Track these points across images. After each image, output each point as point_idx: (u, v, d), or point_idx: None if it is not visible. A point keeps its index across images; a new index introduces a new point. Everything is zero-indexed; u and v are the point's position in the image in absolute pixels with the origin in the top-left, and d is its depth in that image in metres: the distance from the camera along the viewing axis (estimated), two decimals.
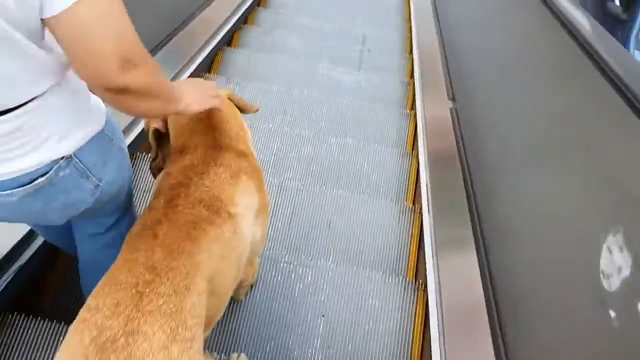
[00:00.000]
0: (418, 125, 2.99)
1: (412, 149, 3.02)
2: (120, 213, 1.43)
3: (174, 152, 1.36)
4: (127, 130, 2.23)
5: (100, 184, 1.20)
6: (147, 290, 0.96)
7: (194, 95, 1.22)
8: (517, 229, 1.69)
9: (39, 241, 1.74)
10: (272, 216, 2.33)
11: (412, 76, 3.68)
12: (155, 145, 1.44)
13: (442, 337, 1.74)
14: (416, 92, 3.29)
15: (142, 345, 0.89)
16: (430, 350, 1.75)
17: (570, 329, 1.24)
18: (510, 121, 2.03)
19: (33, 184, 1.04)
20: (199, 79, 1.41)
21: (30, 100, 0.95)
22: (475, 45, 2.75)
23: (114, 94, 0.94)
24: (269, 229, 2.27)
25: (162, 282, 0.99)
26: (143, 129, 1.97)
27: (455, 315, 1.79)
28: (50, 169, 1.05)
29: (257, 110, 1.63)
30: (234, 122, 1.42)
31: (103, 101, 1.12)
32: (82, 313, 0.95)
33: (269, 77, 3.47)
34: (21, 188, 1.03)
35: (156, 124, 1.41)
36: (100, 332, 0.90)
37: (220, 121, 1.39)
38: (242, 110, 1.60)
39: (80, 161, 1.10)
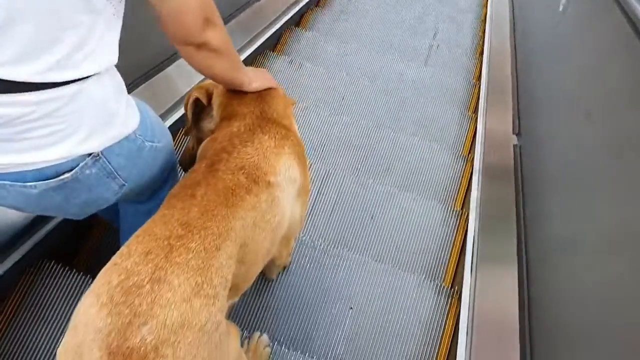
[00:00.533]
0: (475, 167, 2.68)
1: (469, 153, 2.93)
2: (159, 186, 1.45)
3: (222, 120, 1.39)
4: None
5: (126, 184, 1.20)
6: (178, 243, 0.98)
7: (255, 76, 1.39)
8: (563, 256, 1.61)
9: None
10: (314, 202, 2.32)
11: (479, 78, 3.56)
12: (192, 118, 1.45)
13: (469, 350, 1.69)
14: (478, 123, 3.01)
15: (166, 294, 0.90)
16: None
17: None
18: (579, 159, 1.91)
19: (58, 178, 1.03)
20: (254, 69, 1.49)
21: (74, 81, 0.95)
22: (552, 79, 2.49)
23: (194, 49, 1.10)
24: (309, 214, 2.27)
25: (193, 238, 1.00)
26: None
27: (485, 330, 1.73)
28: (77, 165, 1.04)
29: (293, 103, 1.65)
30: (281, 100, 1.45)
31: (185, 58, 1.18)
32: (114, 258, 0.97)
33: (332, 62, 3.44)
34: (44, 181, 1.02)
35: (199, 94, 1.42)
36: (128, 276, 0.92)
37: (270, 96, 1.43)
38: None
39: (108, 161, 1.10)
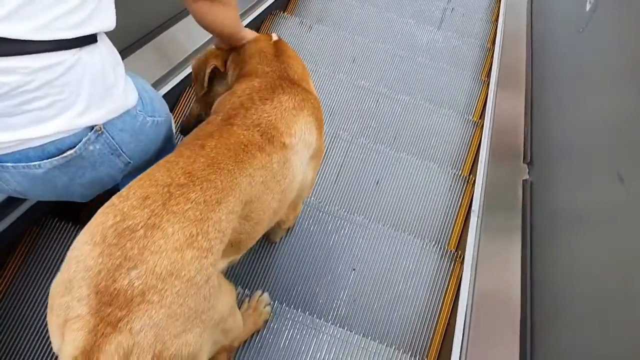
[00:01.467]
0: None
1: (480, 118, 2.88)
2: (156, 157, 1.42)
3: (240, 77, 1.38)
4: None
5: (131, 162, 1.21)
6: (178, 192, 0.98)
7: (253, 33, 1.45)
8: (567, 222, 1.59)
9: None
10: (322, 165, 2.31)
11: (493, 42, 3.47)
12: (205, 85, 1.45)
13: (470, 311, 1.69)
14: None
15: (158, 240, 0.91)
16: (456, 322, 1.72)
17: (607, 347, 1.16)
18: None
19: (61, 156, 1.02)
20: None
21: (72, 45, 0.93)
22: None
23: (209, 2, 1.12)
24: (317, 179, 2.26)
25: (194, 189, 1.00)
26: None
27: (486, 294, 1.73)
28: (80, 141, 1.03)
29: None
30: (300, 62, 1.45)
31: (186, 4, 1.20)
32: (113, 198, 0.97)
33: (344, 24, 3.38)
34: (48, 160, 1.01)
35: (216, 61, 1.42)
36: (123, 218, 0.92)
37: (289, 57, 1.42)
38: None
39: (111, 137, 1.09)
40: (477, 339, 1.63)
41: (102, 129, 1.06)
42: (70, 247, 0.93)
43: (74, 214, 1.84)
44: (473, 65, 3.34)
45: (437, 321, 1.89)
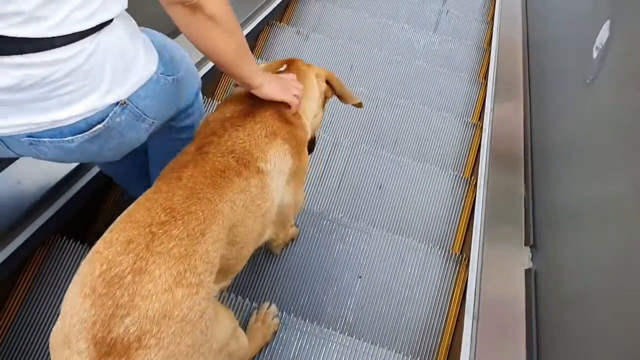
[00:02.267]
0: None
1: (479, 120, 2.90)
2: (186, 108, 1.46)
3: (224, 102, 1.38)
4: None
5: (155, 122, 1.25)
6: (160, 231, 0.97)
7: (271, 82, 1.28)
8: (570, 220, 1.60)
9: (94, 170, 1.82)
10: (323, 172, 2.33)
11: (489, 43, 3.49)
12: None
13: (477, 315, 1.70)
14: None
15: (147, 284, 0.91)
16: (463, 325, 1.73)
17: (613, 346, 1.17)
18: None
19: (91, 130, 1.08)
20: (290, 77, 1.41)
21: (89, 33, 0.98)
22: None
23: (189, 11, 0.99)
24: (318, 184, 2.28)
25: (176, 224, 0.99)
26: None
27: (492, 296, 1.74)
28: (107, 115, 1.08)
29: (359, 104, 1.62)
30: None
31: (179, 26, 1.09)
32: (97, 245, 0.98)
33: (340, 32, 3.40)
34: (80, 135, 1.07)
35: None
36: (109, 266, 0.92)
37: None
38: (340, 97, 1.60)
39: (135, 106, 1.13)
40: (485, 341, 1.64)
41: (127, 102, 1.11)
42: (64, 299, 0.94)
43: (82, 232, 1.86)
44: (470, 67, 3.36)
45: (445, 325, 1.90)
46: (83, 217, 1.95)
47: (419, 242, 2.06)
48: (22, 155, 1.16)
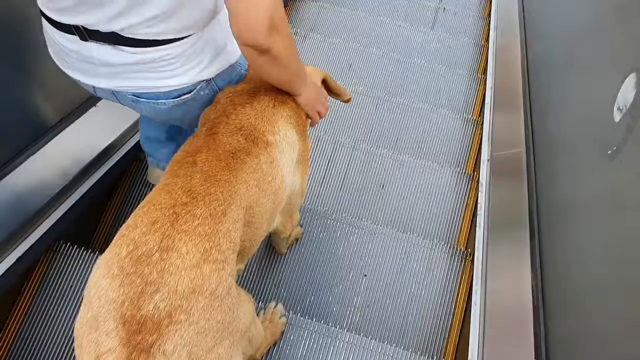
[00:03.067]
0: None
1: (479, 116, 2.90)
2: None
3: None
4: None
5: None
6: (183, 211, 0.99)
7: (309, 94, 1.39)
8: (575, 215, 1.60)
9: (94, 178, 1.83)
10: (326, 171, 2.33)
11: (487, 39, 3.49)
12: None
13: (483, 310, 1.70)
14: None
15: (175, 261, 0.92)
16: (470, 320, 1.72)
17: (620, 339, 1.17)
18: None
19: (180, 98, 1.29)
20: (320, 90, 1.48)
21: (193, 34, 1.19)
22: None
23: (258, 53, 1.08)
24: (321, 183, 2.28)
25: (198, 205, 1.01)
26: None
27: (498, 289, 1.74)
28: (194, 89, 1.29)
29: (349, 99, 1.67)
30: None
31: (247, 60, 1.22)
32: (122, 229, 0.99)
33: (338, 31, 3.41)
34: (171, 100, 1.29)
35: None
36: (136, 246, 0.93)
37: None
38: (336, 96, 1.62)
39: (216, 84, 1.34)
40: (492, 335, 1.64)
41: (211, 80, 1.31)
42: (87, 285, 0.95)
43: (86, 238, 1.86)
44: (468, 63, 3.36)
45: (452, 320, 1.90)
46: (86, 223, 1.95)
47: (423, 238, 2.06)
48: (125, 106, 1.40)
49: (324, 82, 1.57)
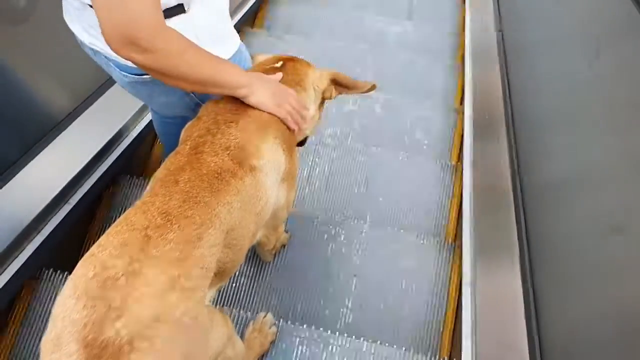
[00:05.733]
0: None
1: (460, 104, 2.89)
2: None
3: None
4: None
5: (202, 103, 1.38)
6: (155, 234, 0.97)
7: (262, 93, 1.28)
8: (560, 198, 1.59)
9: (76, 197, 1.81)
10: (309, 174, 2.31)
11: (463, 59, 3.48)
12: None
13: (474, 300, 1.69)
14: None
15: (140, 287, 0.90)
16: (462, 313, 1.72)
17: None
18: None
19: (141, 77, 1.32)
20: (282, 86, 1.38)
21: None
22: None
23: (134, 60, 1.04)
24: (305, 186, 2.26)
25: (172, 228, 0.99)
26: None
27: (489, 278, 1.73)
28: None
29: (374, 87, 1.53)
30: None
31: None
32: (93, 248, 0.97)
33: (312, 29, 3.39)
34: (132, 75, 1.32)
35: None
36: (103, 268, 0.91)
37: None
38: (351, 88, 1.55)
39: None
40: (485, 326, 1.63)
41: None
42: (55, 303, 0.93)
43: (71, 264, 1.83)
44: (447, 52, 3.35)
45: (445, 314, 1.89)
46: (69, 248, 1.93)
47: (411, 234, 2.05)
48: (102, 68, 1.42)
49: (334, 81, 1.53)
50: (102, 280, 0.90)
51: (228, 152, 1.17)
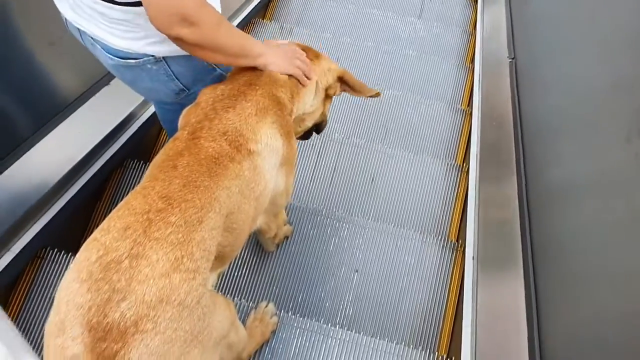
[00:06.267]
0: None
1: (468, 105, 2.88)
2: None
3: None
4: None
5: (188, 91, 1.43)
6: (157, 218, 0.98)
7: (276, 58, 1.36)
8: (565, 201, 1.59)
9: (82, 180, 1.81)
10: (315, 168, 2.32)
11: (475, 27, 3.47)
12: None
13: (475, 298, 1.69)
14: None
15: (144, 269, 0.91)
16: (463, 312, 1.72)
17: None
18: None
19: (126, 61, 1.33)
20: (291, 46, 1.45)
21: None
22: None
23: (172, 39, 1.13)
24: (311, 180, 2.27)
25: (173, 212, 1.00)
26: None
27: (490, 278, 1.73)
28: (141, 59, 1.31)
29: (378, 94, 1.61)
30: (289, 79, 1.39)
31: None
32: (95, 233, 0.98)
33: (324, 24, 3.38)
34: (117, 59, 1.33)
35: None
36: (106, 252, 0.92)
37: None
38: (357, 91, 1.59)
39: (168, 66, 1.34)
40: (485, 326, 1.64)
41: (162, 59, 1.32)
42: (59, 287, 0.94)
43: (74, 243, 1.84)
44: (457, 52, 3.34)
45: (445, 313, 1.89)
46: (74, 229, 1.94)
47: (414, 231, 2.06)
48: (88, 49, 1.43)
49: (341, 79, 1.56)
50: (105, 264, 0.91)
51: (225, 137, 1.17)
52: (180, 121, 1.30)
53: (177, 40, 1.13)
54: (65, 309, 0.88)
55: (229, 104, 1.24)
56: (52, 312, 0.92)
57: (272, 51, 1.36)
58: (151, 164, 1.16)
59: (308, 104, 1.50)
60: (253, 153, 1.19)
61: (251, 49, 1.31)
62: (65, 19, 1.37)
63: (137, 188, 1.07)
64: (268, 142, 1.24)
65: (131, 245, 0.93)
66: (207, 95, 1.29)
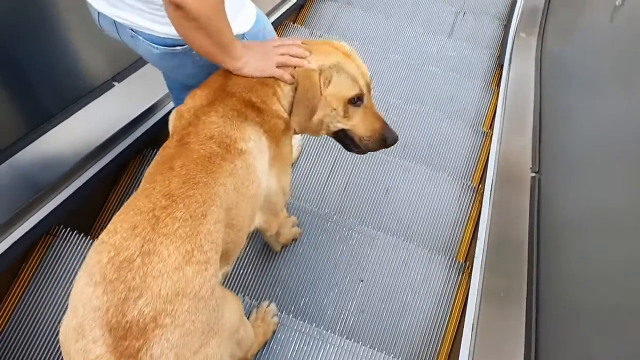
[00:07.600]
0: None
1: (490, 128, 2.88)
2: None
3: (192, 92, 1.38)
4: None
5: None
6: (163, 214, 1.00)
7: (255, 60, 1.31)
8: (575, 236, 1.58)
9: (101, 163, 1.84)
10: (329, 175, 2.32)
11: (498, 84, 3.46)
12: None
13: (476, 323, 1.68)
14: None
15: (157, 265, 0.93)
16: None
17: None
18: None
19: (173, 48, 1.35)
20: (273, 42, 1.36)
21: None
22: None
23: (173, 8, 1.08)
24: (324, 186, 2.28)
25: (178, 207, 1.01)
26: None
27: (494, 306, 1.73)
28: (187, 45, 1.28)
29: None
30: (268, 81, 1.33)
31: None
32: (102, 235, 1.00)
33: (353, 34, 3.40)
34: (163, 47, 1.35)
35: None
36: (117, 252, 0.94)
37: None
38: None
39: None
40: (484, 349, 1.63)
41: None
42: (72, 292, 0.96)
43: (87, 225, 1.87)
44: (483, 74, 3.33)
45: (445, 332, 1.89)
46: (88, 211, 1.97)
47: (423, 248, 2.05)
48: (125, 43, 1.45)
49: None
50: (118, 264, 0.92)
51: (213, 140, 1.18)
52: (170, 127, 1.32)
53: (179, 9, 1.07)
54: (82, 313, 0.90)
55: (208, 109, 1.24)
56: (67, 318, 0.94)
57: (250, 54, 1.30)
58: (145, 173, 1.17)
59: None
60: (244, 152, 1.20)
61: (234, 48, 1.27)
62: (98, 14, 1.37)
63: (137, 191, 1.09)
64: (255, 141, 1.25)
65: (141, 243, 0.95)
66: (188, 103, 1.29)
